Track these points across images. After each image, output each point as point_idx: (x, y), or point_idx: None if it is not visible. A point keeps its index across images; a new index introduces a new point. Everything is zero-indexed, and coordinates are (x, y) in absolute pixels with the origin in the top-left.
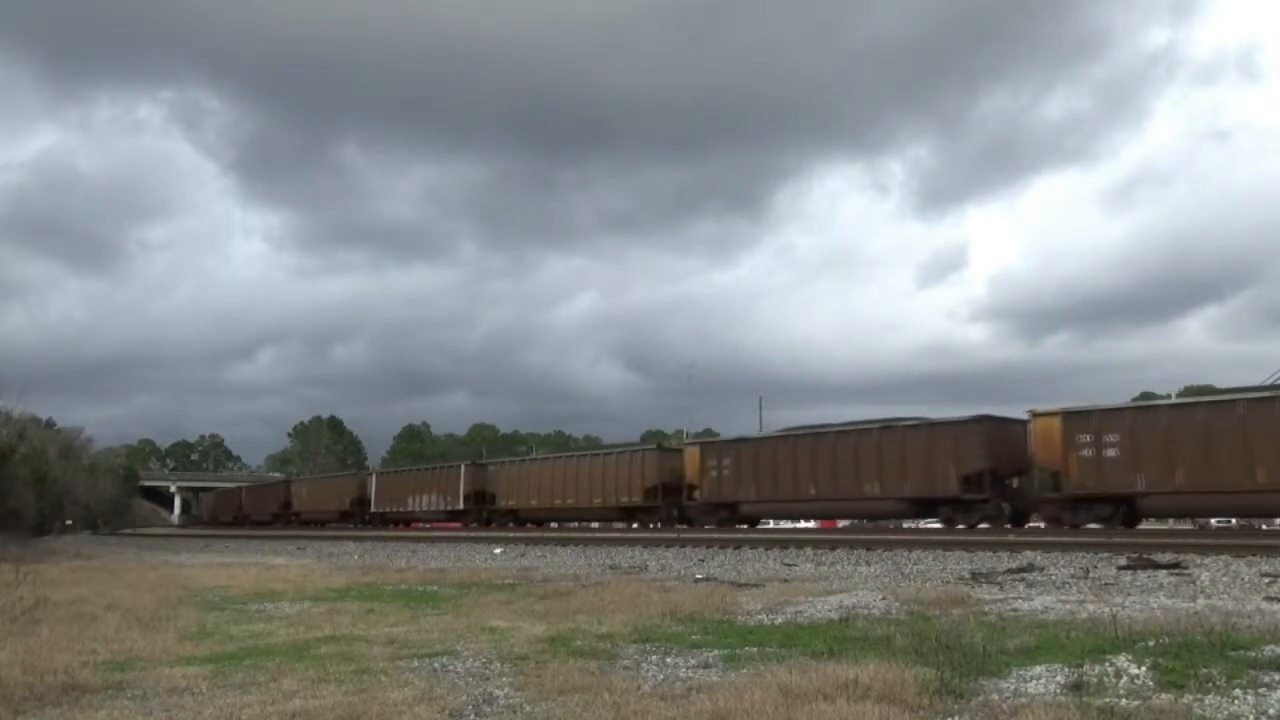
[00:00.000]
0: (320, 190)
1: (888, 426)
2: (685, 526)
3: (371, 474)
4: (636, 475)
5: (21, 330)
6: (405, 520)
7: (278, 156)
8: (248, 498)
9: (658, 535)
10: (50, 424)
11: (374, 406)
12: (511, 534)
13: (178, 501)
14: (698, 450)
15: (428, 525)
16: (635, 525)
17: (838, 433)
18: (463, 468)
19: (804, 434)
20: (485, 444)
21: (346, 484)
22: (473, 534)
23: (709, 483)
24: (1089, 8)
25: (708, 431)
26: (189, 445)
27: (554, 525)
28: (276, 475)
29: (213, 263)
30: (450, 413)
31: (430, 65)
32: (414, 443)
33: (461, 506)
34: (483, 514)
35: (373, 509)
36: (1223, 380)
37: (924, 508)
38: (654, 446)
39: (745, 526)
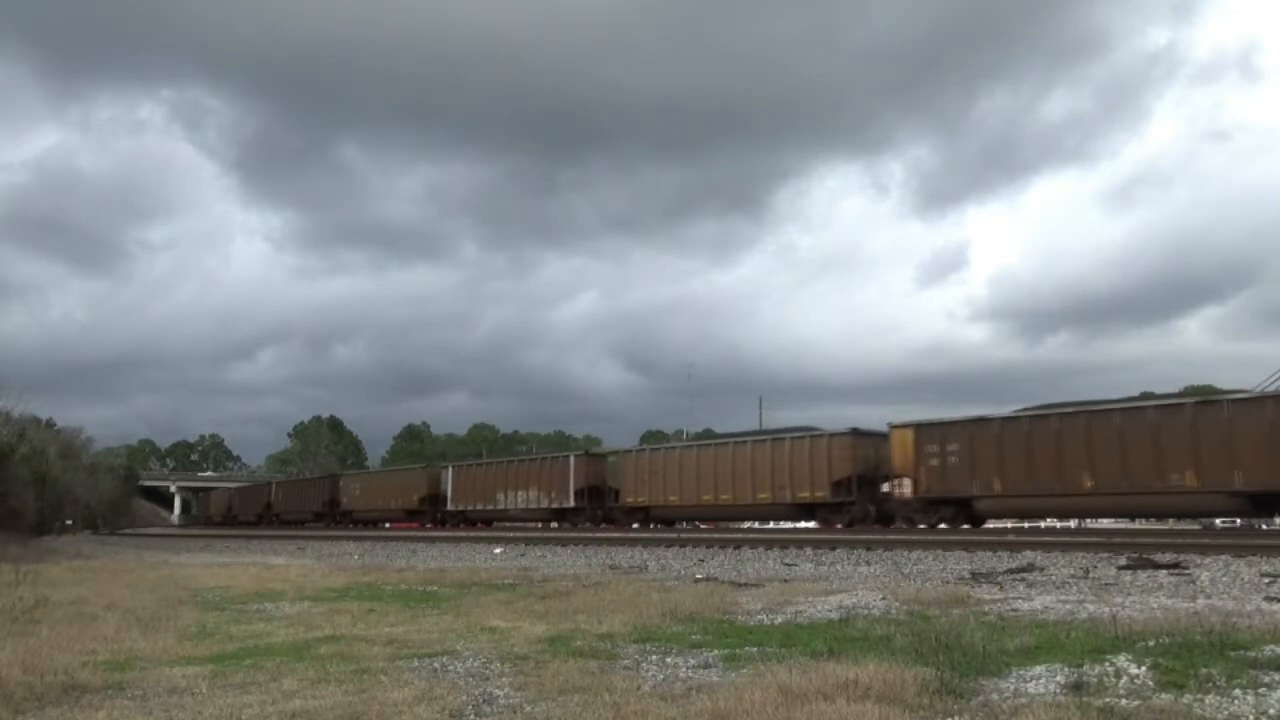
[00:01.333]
0: (321, 190)
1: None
2: (881, 526)
3: (448, 466)
4: (822, 465)
5: (23, 330)
6: (493, 519)
7: (279, 156)
8: (278, 494)
9: (658, 535)
10: (50, 424)
11: (374, 406)
12: (511, 534)
13: (178, 501)
14: (911, 433)
15: (518, 525)
16: (814, 524)
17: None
18: (573, 459)
19: (1076, 412)
20: (485, 444)
21: (414, 478)
22: (472, 534)
23: (927, 473)
24: (1089, 8)
25: (707, 432)
26: (189, 445)
27: (699, 525)
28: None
29: (214, 263)
30: (450, 412)
31: (431, 65)
32: (414, 443)
33: (572, 504)
34: (598, 512)
35: (449, 506)
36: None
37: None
38: (848, 430)
39: (967, 527)
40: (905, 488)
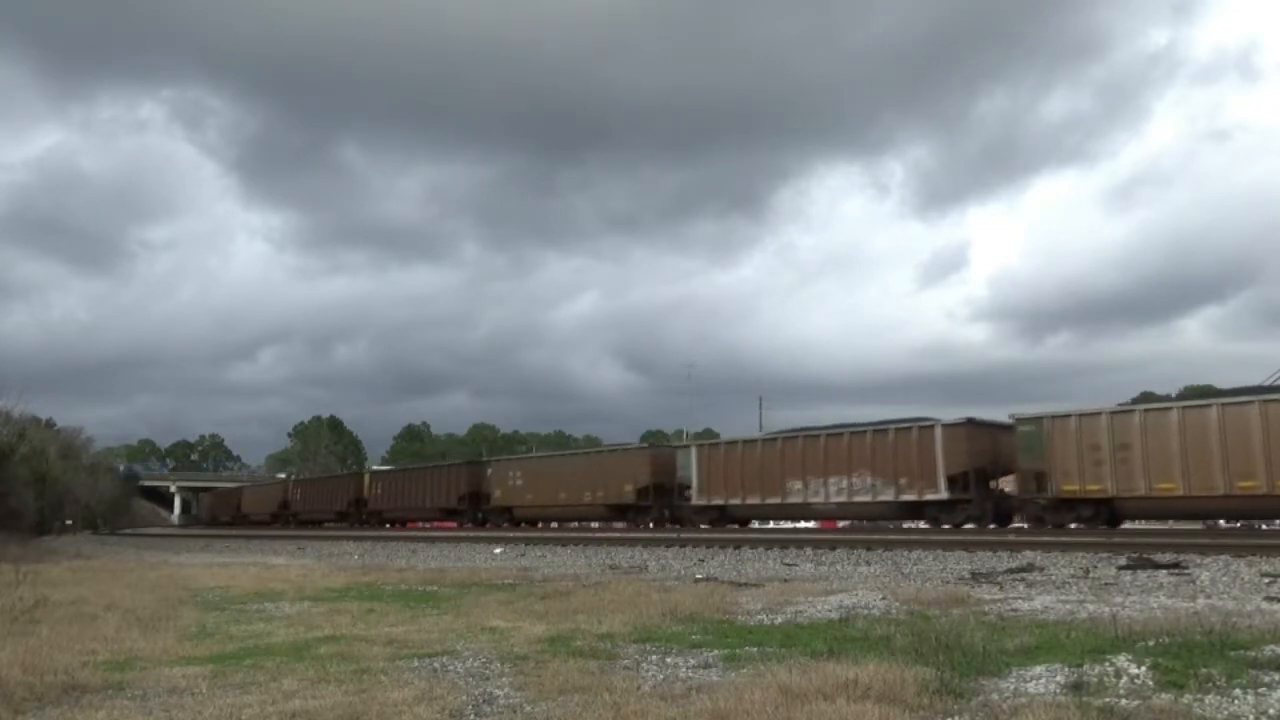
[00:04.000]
0: (321, 190)
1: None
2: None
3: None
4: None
5: (24, 330)
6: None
7: (279, 156)
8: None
9: (658, 535)
10: (50, 424)
11: (374, 406)
12: (511, 534)
13: (178, 501)
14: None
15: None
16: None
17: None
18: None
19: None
20: (485, 444)
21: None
22: (471, 534)
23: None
24: (1089, 8)
25: (707, 432)
26: (189, 445)
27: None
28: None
29: (214, 263)
30: (450, 412)
31: (431, 65)
32: (414, 443)
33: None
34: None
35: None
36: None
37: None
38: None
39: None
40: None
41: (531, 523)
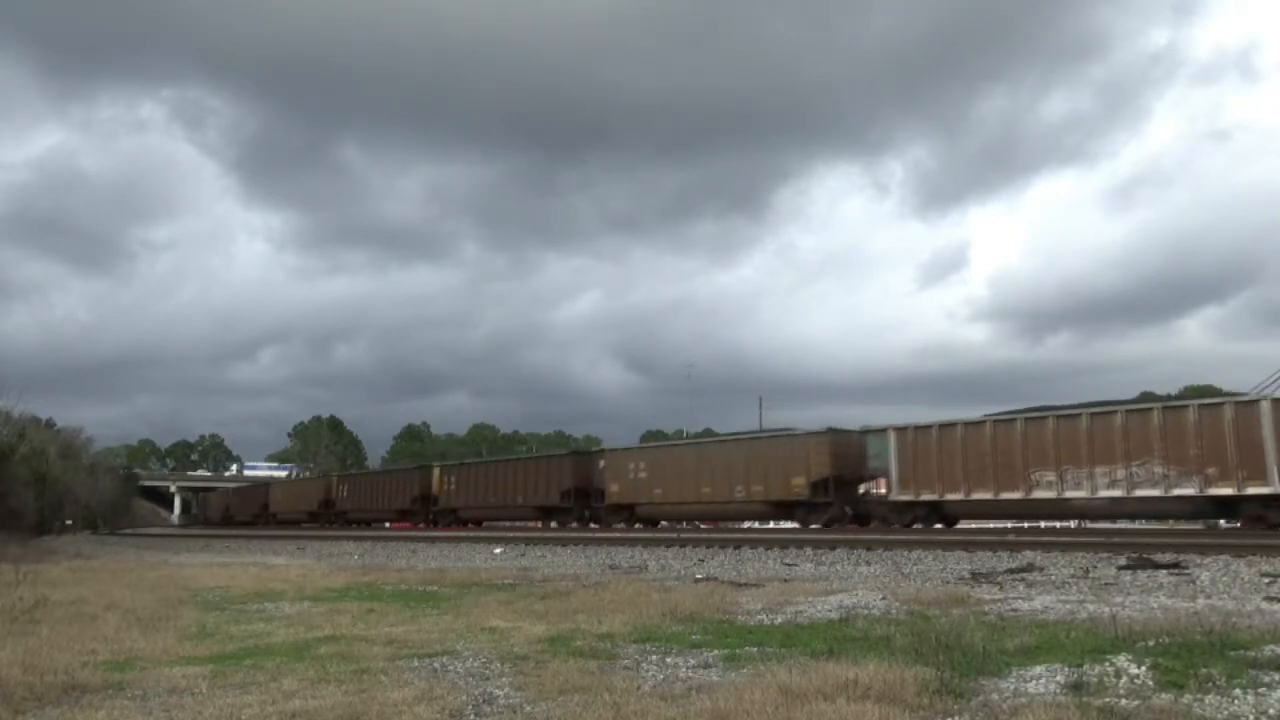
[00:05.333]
0: (322, 190)
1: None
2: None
3: (888, 430)
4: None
5: (24, 330)
6: (1068, 515)
7: (279, 156)
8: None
9: (658, 535)
10: (50, 424)
11: (374, 406)
12: (511, 534)
13: (177, 501)
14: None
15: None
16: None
17: None
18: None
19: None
20: (485, 444)
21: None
22: (473, 534)
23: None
24: (1089, 8)
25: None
26: (189, 445)
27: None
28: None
29: (215, 263)
30: (450, 412)
31: (431, 65)
32: (414, 442)
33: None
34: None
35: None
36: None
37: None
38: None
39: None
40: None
41: (651, 522)
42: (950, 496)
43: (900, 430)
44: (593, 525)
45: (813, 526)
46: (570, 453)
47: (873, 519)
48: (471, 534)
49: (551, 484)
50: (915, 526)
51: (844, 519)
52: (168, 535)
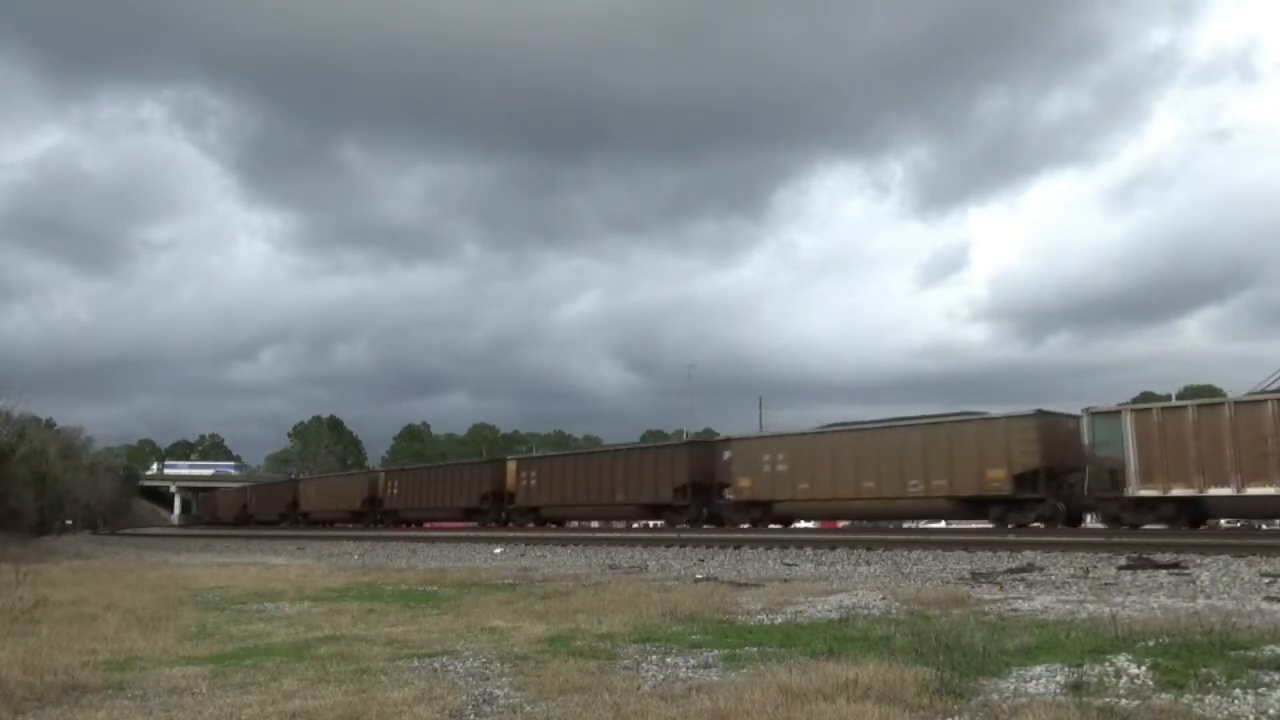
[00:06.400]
0: (322, 190)
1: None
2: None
3: (1124, 411)
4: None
5: (25, 330)
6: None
7: (280, 156)
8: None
9: (658, 535)
10: (50, 424)
11: (374, 406)
12: (511, 534)
13: (177, 501)
14: None
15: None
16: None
17: None
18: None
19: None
20: (485, 444)
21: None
22: (473, 533)
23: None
24: (1089, 8)
25: (708, 431)
26: (189, 445)
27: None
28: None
29: (215, 263)
30: (450, 412)
31: (432, 65)
32: (414, 442)
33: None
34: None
35: None
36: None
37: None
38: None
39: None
40: None
41: (786, 521)
42: (1215, 490)
43: (1141, 412)
44: (707, 526)
45: (1010, 527)
46: (686, 443)
47: (1100, 517)
48: (471, 534)
49: (660, 478)
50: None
51: (1057, 517)
52: (168, 535)
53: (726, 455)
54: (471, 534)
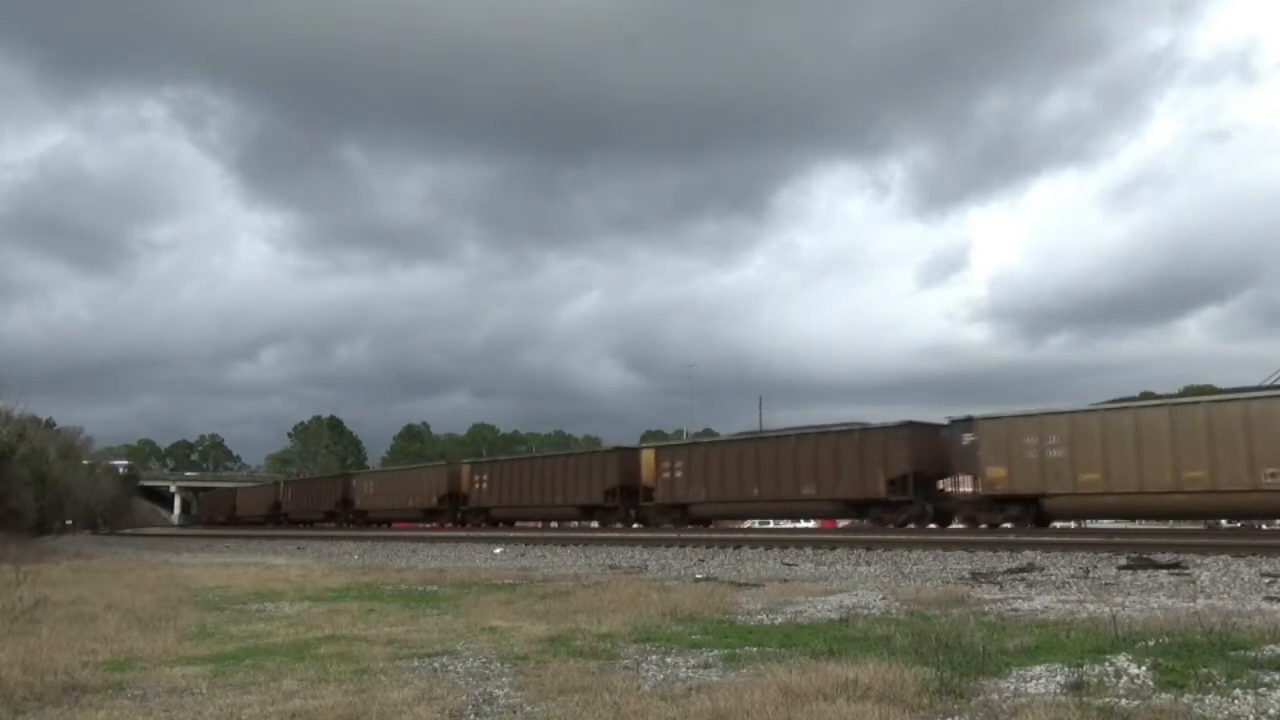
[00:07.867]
0: (323, 190)
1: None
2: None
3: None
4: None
5: (26, 330)
6: None
7: (281, 156)
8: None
9: (658, 535)
10: (50, 424)
11: (375, 406)
12: (511, 534)
13: (178, 501)
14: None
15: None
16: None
17: None
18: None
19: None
20: (485, 444)
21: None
22: (474, 533)
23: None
24: (1089, 8)
25: (708, 431)
26: (189, 445)
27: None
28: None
29: (217, 263)
30: (450, 412)
31: (433, 66)
32: (414, 443)
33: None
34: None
35: None
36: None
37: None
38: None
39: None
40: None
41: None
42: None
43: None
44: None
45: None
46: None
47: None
48: (471, 534)
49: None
50: None
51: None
52: (168, 535)
53: (972, 438)
54: (472, 534)
